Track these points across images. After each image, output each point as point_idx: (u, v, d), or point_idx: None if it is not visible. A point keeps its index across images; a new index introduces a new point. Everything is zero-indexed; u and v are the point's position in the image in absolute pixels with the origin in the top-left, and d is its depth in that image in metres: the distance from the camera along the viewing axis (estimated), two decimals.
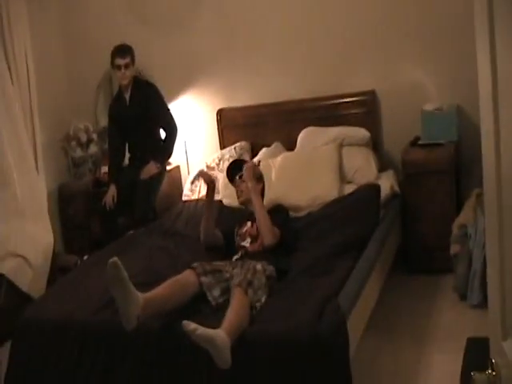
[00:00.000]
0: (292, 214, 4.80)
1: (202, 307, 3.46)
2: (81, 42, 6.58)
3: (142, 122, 5.63)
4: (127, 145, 5.88)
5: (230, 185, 5.25)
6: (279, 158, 5.46)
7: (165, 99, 5.78)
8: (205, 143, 6.38)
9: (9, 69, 5.41)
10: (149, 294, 3.26)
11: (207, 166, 5.88)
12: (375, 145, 5.61)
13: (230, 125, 6.18)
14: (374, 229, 4.47)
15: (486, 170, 1.55)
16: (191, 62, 6.26)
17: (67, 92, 6.59)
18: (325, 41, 5.76)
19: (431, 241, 5.03)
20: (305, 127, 5.74)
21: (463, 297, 4.55)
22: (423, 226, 5.05)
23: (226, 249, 4.26)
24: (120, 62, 5.52)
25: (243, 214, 4.53)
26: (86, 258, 5.26)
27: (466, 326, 4.15)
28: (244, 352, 3.07)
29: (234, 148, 5.95)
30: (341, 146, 5.42)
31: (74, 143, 6.32)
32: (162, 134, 5.78)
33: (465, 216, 4.71)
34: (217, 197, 5.51)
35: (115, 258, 3.11)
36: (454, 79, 5.40)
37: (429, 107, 5.32)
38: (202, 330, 2.96)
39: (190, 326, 2.97)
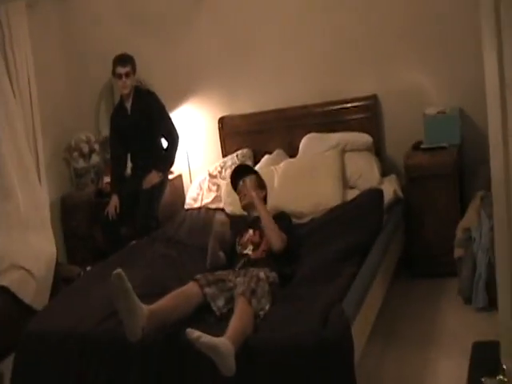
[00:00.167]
0: (295, 220, 4.79)
1: (205, 317, 3.45)
2: (81, 52, 6.60)
3: (143, 131, 5.63)
4: (129, 154, 5.87)
5: (232, 193, 5.25)
6: (281, 165, 5.45)
7: (166, 108, 5.77)
8: (207, 151, 6.38)
9: (10, 81, 5.42)
10: (153, 306, 3.25)
11: (210, 174, 5.87)
12: (377, 149, 5.60)
13: (231, 132, 6.18)
14: (377, 234, 4.45)
15: (494, 171, 1.54)
16: (192, 70, 6.27)
17: (69, 103, 6.60)
18: (325, 47, 5.75)
19: (435, 244, 5.00)
20: (306, 133, 5.73)
21: (468, 300, 4.52)
22: (427, 230, 5.03)
23: (229, 259, 4.24)
24: (121, 70, 5.52)
25: (244, 222, 4.51)
26: (88, 268, 5.24)
27: (472, 329, 4.13)
28: (249, 359, 3.05)
29: (236, 155, 5.95)
30: (343, 151, 5.41)
31: (76, 154, 6.32)
32: (164, 143, 5.77)
33: (468, 219, 4.69)
34: (219, 204, 5.52)
35: (119, 270, 3.10)
36: (455, 82, 5.39)
37: (431, 111, 5.30)
38: (205, 338, 2.95)
39: (194, 333, 2.96)
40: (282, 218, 4.38)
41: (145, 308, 3.16)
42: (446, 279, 4.90)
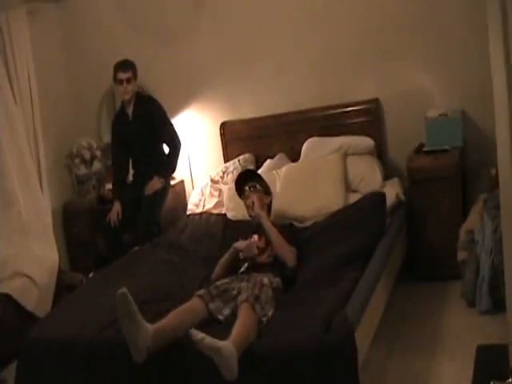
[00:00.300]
0: (297, 224, 4.79)
1: (210, 321, 3.44)
2: (83, 59, 6.60)
3: (145, 137, 5.63)
4: (131, 161, 5.87)
5: (234, 197, 5.25)
6: (283, 169, 5.44)
7: (167, 114, 5.76)
8: (208, 156, 6.37)
9: (11, 88, 5.43)
10: (158, 325, 3.23)
11: (211, 179, 5.86)
12: (379, 153, 5.59)
13: (233, 137, 6.17)
14: (380, 237, 4.43)
15: (502, 171, 1.52)
16: (193, 76, 6.26)
17: (70, 109, 6.60)
18: (327, 50, 5.74)
19: (438, 247, 4.99)
20: (308, 138, 5.73)
21: (471, 303, 4.50)
22: (430, 233, 5.01)
23: (231, 265, 4.23)
24: (122, 76, 5.52)
25: (247, 227, 4.50)
26: (91, 275, 5.23)
27: (475, 332, 4.11)
28: (252, 364, 3.05)
29: (238, 160, 5.94)
30: (345, 155, 5.40)
31: (77, 161, 6.32)
32: (166, 148, 5.76)
33: (471, 222, 4.68)
34: (221, 210, 5.51)
35: (124, 290, 3.08)
36: (457, 84, 5.38)
37: (433, 113, 5.29)
38: (209, 340, 2.95)
39: (198, 335, 2.97)
40: (288, 232, 4.36)
41: (150, 327, 3.14)
42: (450, 282, 4.89)
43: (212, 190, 5.82)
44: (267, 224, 4.27)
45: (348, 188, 5.21)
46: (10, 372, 3.76)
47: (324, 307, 3.32)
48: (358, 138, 5.55)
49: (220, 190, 5.75)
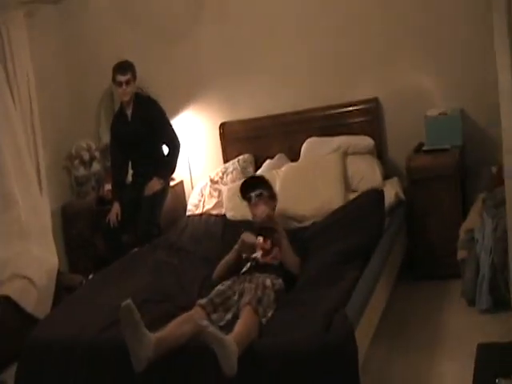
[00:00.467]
0: (297, 224, 4.78)
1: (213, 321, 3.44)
2: (81, 60, 6.59)
3: (144, 138, 5.61)
4: (130, 161, 5.86)
5: (233, 198, 5.25)
6: (283, 169, 5.44)
7: (167, 115, 5.76)
8: (208, 157, 6.37)
9: (10, 90, 5.43)
10: (160, 334, 3.21)
11: (211, 180, 5.86)
12: (379, 152, 5.58)
13: (232, 138, 6.16)
14: (379, 235, 4.43)
15: (508, 167, 1.52)
16: (192, 77, 6.26)
17: (69, 111, 6.59)
18: (326, 50, 5.74)
19: (438, 246, 4.99)
20: (308, 138, 5.73)
21: (471, 302, 4.50)
22: (429, 232, 5.01)
23: (234, 264, 4.22)
24: (121, 78, 5.51)
25: (250, 228, 4.49)
26: (90, 276, 5.23)
27: (476, 331, 4.11)
28: (253, 364, 3.05)
29: (238, 161, 5.93)
30: (345, 154, 5.39)
31: (76, 162, 6.32)
32: (165, 149, 5.76)
33: (471, 221, 4.68)
34: (221, 210, 5.50)
35: (129, 302, 3.06)
36: (457, 83, 5.38)
37: (432, 112, 5.29)
38: (214, 329, 2.97)
39: (203, 322, 3.00)
40: (294, 239, 4.34)
41: (152, 337, 3.13)
42: (449, 281, 4.89)
43: (211, 191, 5.81)
44: (282, 233, 4.22)
45: (348, 187, 5.20)
46: (10, 374, 3.76)
47: (324, 307, 3.32)
48: (357, 137, 5.54)
49: (219, 191, 5.75)
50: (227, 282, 3.82)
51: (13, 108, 5.39)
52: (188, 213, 5.80)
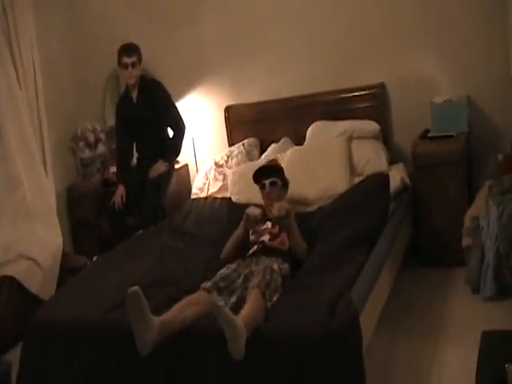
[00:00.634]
0: (302, 208, 4.77)
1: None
2: (87, 42, 6.59)
3: (149, 120, 5.61)
4: (135, 144, 5.86)
5: (239, 181, 5.25)
6: (288, 152, 5.42)
7: (172, 97, 5.75)
8: (213, 140, 6.37)
9: (16, 71, 5.42)
10: (164, 317, 3.20)
11: (216, 163, 5.85)
12: (385, 138, 5.57)
13: (238, 121, 6.16)
14: (384, 219, 4.42)
15: None
16: (198, 59, 6.25)
17: (74, 93, 6.58)
18: (333, 34, 5.72)
19: (443, 233, 4.99)
20: (313, 122, 5.72)
21: (476, 290, 4.50)
22: (435, 219, 5.01)
23: (242, 244, 4.23)
24: (127, 60, 5.50)
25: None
26: (95, 258, 5.25)
27: (480, 319, 4.11)
28: (257, 348, 3.04)
29: (243, 144, 5.93)
30: (350, 138, 5.39)
31: (81, 144, 6.31)
32: (170, 132, 5.75)
33: (477, 208, 4.66)
34: (226, 194, 5.50)
35: (136, 288, 3.05)
36: (463, 70, 5.36)
37: (438, 99, 5.27)
38: (227, 311, 2.96)
39: (221, 301, 3.00)
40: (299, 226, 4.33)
41: (157, 321, 3.12)
42: (454, 268, 4.89)
43: (216, 174, 5.81)
44: (293, 222, 4.19)
45: (353, 172, 5.20)
46: (16, 354, 3.76)
47: (329, 292, 3.31)
48: (363, 121, 5.54)
49: (224, 174, 5.74)
50: (232, 265, 3.82)
51: (18, 89, 5.39)
52: (193, 196, 5.80)
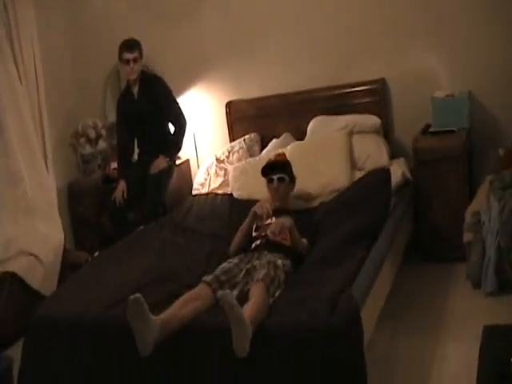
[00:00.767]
0: (304, 204, 4.76)
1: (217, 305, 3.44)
2: (88, 38, 6.57)
3: (150, 116, 5.61)
4: (136, 140, 5.86)
5: (240, 177, 5.25)
6: (289, 147, 5.41)
7: (173, 93, 5.74)
8: (214, 136, 6.36)
9: (16, 67, 5.41)
10: (165, 316, 3.20)
11: (217, 159, 5.85)
12: (386, 133, 5.57)
13: (239, 117, 6.15)
14: (386, 214, 4.42)
15: None
16: (199, 55, 6.23)
17: (75, 89, 6.57)
18: (333, 30, 5.71)
19: (444, 228, 4.99)
20: (314, 117, 5.71)
21: (477, 285, 4.50)
22: (436, 214, 5.01)
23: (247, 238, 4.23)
24: (128, 56, 5.49)
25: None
26: (96, 254, 5.25)
27: (481, 314, 4.11)
28: (259, 343, 3.03)
29: (244, 140, 5.93)
30: (351, 133, 5.39)
31: (82, 140, 6.31)
32: (171, 128, 5.75)
33: (478, 203, 4.66)
34: (227, 189, 5.50)
35: (138, 295, 3.04)
36: (464, 65, 5.35)
37: (439, 94, 5.27)
38: (238, 309, 2.96)
39: (233, 300, 2.98)
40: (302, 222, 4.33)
41: (157, 321, 3.11)
42: (455, 263, 4.90)
43: (217, 170, 5.80)
44: (294, 232, 4.07)
45: (354, 166, 5.21)
46: (17, 350, 3.76)
47: (330, 287, 3.31)
48: (363, 116, 5.54)
49: (225, 170, 5.74)
50: (234, 260, 3.82)
51: (19, 84, 5.38)
52: (194, 192, 5.79)
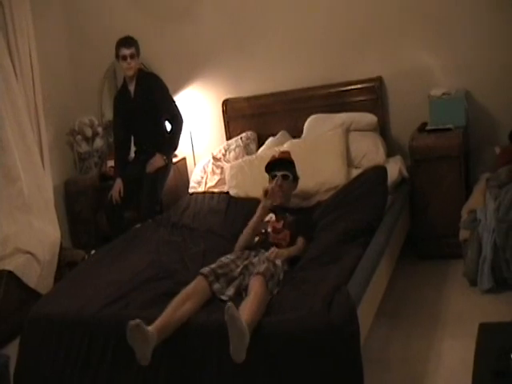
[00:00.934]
0: (301, 202, 4.77)
1: (213, 299, 3.44)
2: (84, 35, 6.57)
3: (147, 114, 5.61)
4: (133, 138, 5.85)
5: (236, 175, 5.25)
6: (286, 145, 5.40)
7: (170, 91, 5.74)
8: (211, 134, 6.36)
9: (13, 64, 5.40)
10: (161, 323, 3.17)
11: (213, 157, 5.85)
12: (382, 131, 5.57)
13: (235, 115, 6.15)
14: (382, 212, 4.43)
15: None
16: (196, 52, 6.23)
17: (71, 86, 6.57)
18: (330, 28, 5.71)
19: (440, 226, 5.00)
20: (311, 115, 5.70)
21: (473, 282, 4.51)
22: (432, 212, 5.01)
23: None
24: (125, 52, 5.49)
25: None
26: (93, 252, 5.25)
27: (477, 311, 4.13)
28: (255, 341, 3.03)
29: (241, 138, 5.92)
30: (347, 130, 5.38)
31: (79, 138, 6.30)
32: (168, 126, 5.75)
33: (474, 201, 4.68)
34: (223, 187, 5.50)
35: (138, 321, 3.02)
36: (461, 63, 5.35)
37: (436, 92, 5.27)
38: (241, 323, 2.93)
39: (237, 313, 2.95)
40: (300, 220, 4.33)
41: (155, 331, 3.09)
42: (451, 261, 4.91)
43: (214, 168, 5.80)
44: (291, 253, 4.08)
45: (351, 164, 5.21)
46: (13, 348, 3.77)
47: (327, 284, 3.31)
48: (360, 114, 5.53)
49: (222, 168, 5.73)
50: (230, 256, 3.83)
51: (15, 81, 5.37)
52: (191, 190, 5.78)
